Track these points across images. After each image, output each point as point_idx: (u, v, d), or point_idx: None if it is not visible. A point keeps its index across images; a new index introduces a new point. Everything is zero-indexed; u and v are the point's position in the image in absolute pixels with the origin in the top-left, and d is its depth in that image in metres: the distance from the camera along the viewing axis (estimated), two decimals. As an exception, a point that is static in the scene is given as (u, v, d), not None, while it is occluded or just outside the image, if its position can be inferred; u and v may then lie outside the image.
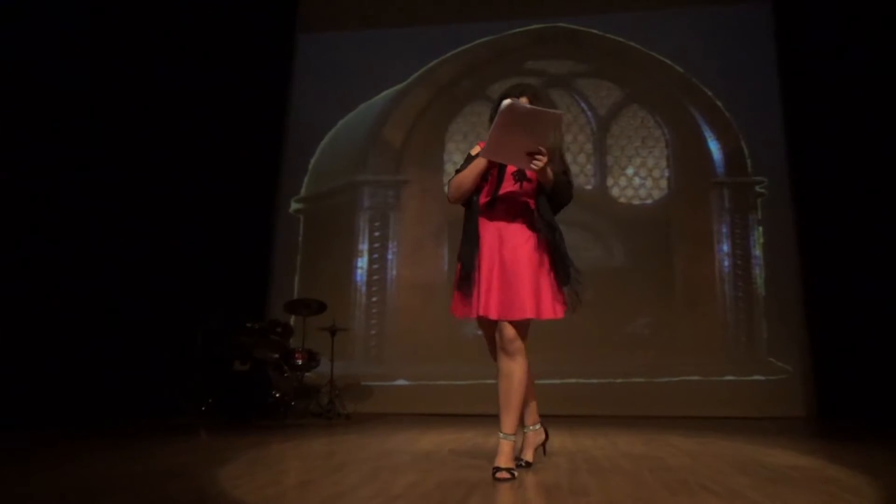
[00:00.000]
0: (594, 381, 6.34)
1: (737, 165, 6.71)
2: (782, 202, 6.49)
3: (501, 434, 2.40)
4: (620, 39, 7.10)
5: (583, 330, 6.26)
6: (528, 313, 2.39)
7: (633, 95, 7.04)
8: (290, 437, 3.98)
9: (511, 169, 2.52)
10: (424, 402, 6.35)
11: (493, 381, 2.51)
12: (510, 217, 2.51)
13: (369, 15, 7.59)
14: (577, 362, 6.35)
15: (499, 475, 2.28)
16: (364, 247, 7.07)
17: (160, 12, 6.61)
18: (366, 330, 6.86)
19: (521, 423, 2.59)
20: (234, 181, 6.84)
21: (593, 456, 2.98)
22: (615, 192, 6.83)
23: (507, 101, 2.28)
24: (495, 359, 2.61)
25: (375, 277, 6.99)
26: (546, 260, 2.47)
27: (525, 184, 2.52)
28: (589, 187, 6.85)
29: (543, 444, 2.74)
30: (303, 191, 7.35)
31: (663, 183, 6.80)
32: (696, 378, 6.23)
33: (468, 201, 2.58)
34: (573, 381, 6.32)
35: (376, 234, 7.09)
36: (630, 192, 6.82)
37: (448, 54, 7.36)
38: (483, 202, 2.55)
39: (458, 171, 2.58)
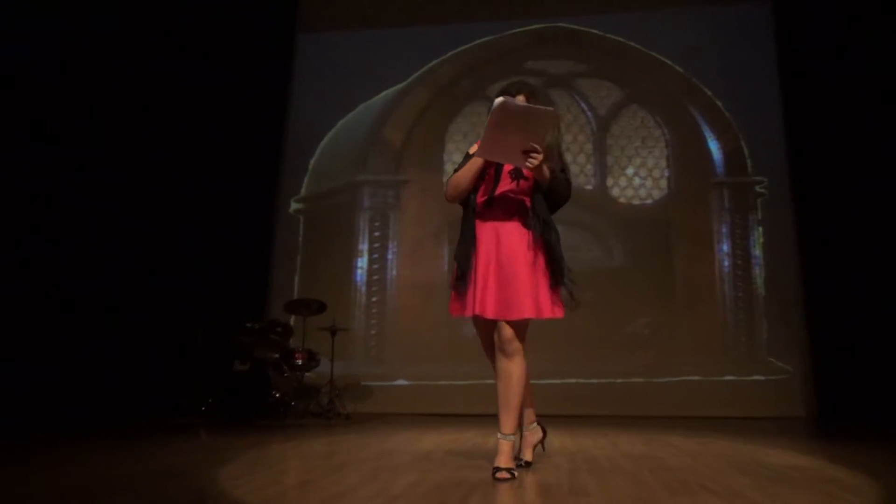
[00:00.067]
0: (594, 381, 6.34)
1: (737, 165, 6.71)
2: (782, 202, 6.49)
3: (501, 434, 2.40)
4: (620, 39, 7.10)
5: (583, 330, 6.26)
6: (527, 313, 2.39)
7: (633, 95, 7.04)
8: (290, 437, 3.98)
9: (508, 167, 2.51)
10: (424, 402, 6.34)
11: (492, 381, 2.51)
12: (507, 216, 2.50)
13: (369, 15, 7.59)
14: (577, 362, 6.35)
15: (499, 475, 2.28)
16: (364, 247, 7.06)
17: (160, 12, 6.61)
18: (366, 330, 6.86)
19: (520, 423, 2.59)
20: (234, 181, 6.84)
21: (593, 456, 2.98)
22: (615, 192, 6.83)
23: (499, 99, 2.27)
24: (490, 357, 2.61)
25: (375, 277, 6.99)
26: (542, 259, 2.46)
27: (522, 182, 2.51)
28: (589, 187, 6.85)
29: (542, 442, 2.74)
30: (303, 191, 7.35)
31: (663, 183, 6.80)
32: (696, 378, 6.23)
33: (466, 200, 2.57)
34: (573, 381, 6.32)
35: (376, 234, 7.09)
36: (630, 192, 6.82)
37: (448, 54, 7.36)
38: (480, 201, 2.54)
39: (456, 171, 2.58)
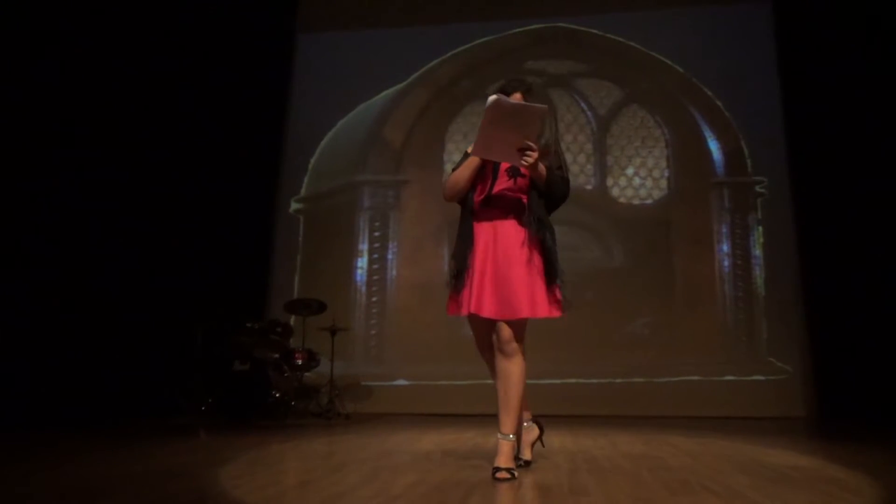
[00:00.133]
0: (594, 381, 6.34)
1: (737, 165, 6.71)
2: (782, 202, 6.49)
3: (500, 434, 2.39)
4: (620, 39, 7.10)
5: (583, 330, 6.26)
6: (524, 313, 2.38)
7: (632, 95, 7.04)
8: (290, 437, 3.98)
9: (505, 166, 2.50)
10: (424, 402, 6.34)
11: (492, 382, 2.50)
12: (504, 214, 2.49)
13: (369, 15, 7.59)
14: (577, 362, 6.35)
15: (499, 475, 2.28)
16: (364, 247, 7.06)
17: (160, 12, 6.61)
18: (366, 330, 6.86)
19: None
20: (234, 181, 6.84)
21: (593, 456, 2.98)
22: (615, 192, 6.83)
23: (492, 97, 2.26)
24: (484, 356, 2.60)
25: (375, 277, 6.99)
26: (538, 258, 2.44)
27: (519, 180, 2.50)
28: (589, 187, 6.85)
29: (540, 438, 2.73)
30: (303, 191, 7.35)
31: (663, 183, 6.80)
32: (696, 378, 6.23)
33: (464, 199, 2.56)
34: (573, 381, 6.32)
35: (376, 234, 7.09)
36: (630, 192, 6.82)
37: (448, 54, 7.36)
38: (478, 200, 2.53)
39: (454, 170, 2.57)
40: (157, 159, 6.47)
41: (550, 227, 2.49)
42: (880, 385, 5.51)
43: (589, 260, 6.62)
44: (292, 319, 6.18)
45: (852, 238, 5.94)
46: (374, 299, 6.94)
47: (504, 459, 2.33)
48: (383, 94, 7.36)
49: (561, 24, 7.24)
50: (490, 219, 2.51)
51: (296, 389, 5.62)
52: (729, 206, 6.66)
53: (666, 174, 6.81)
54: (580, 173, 6.84)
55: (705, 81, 6.87)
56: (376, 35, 7.50)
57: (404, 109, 7.32)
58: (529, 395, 2.68)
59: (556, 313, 2.43)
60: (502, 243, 2.45)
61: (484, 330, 2.54)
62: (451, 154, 7.04)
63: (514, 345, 2.41)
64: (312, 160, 7.37)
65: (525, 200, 2.50)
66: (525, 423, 2.68)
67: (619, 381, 6.33)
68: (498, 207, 2.50)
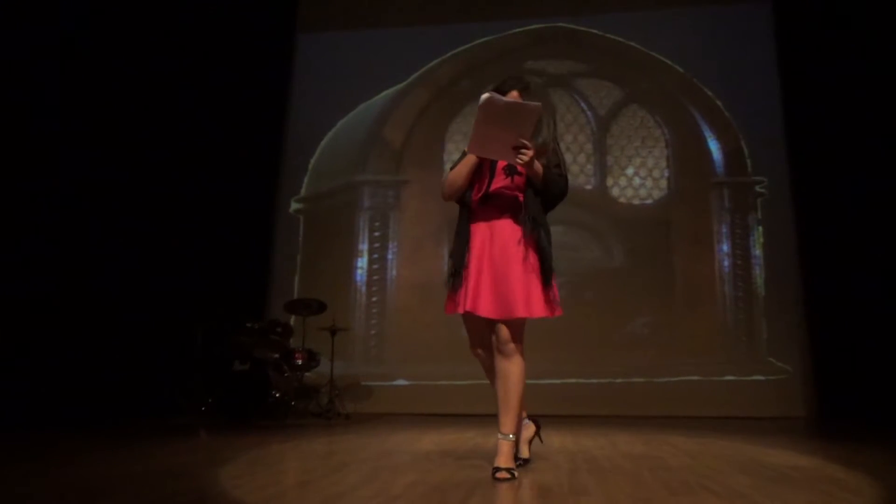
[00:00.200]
0: (594, 381, 6.34)
1: (737, 165, 6.71)
2: (782, 202, 6.49)
3: (500, 434, 2.39)
4: (620, 39, 7.10)
5: (583, 330, 6.27)
6: (519, 312, 2.36)
7: (632, 95, 7.04)
8: (290, 437, 3.98)
9: (502, 164, 2.49)
10: (424, 402, 6.35)
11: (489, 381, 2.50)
12: (501, 213, 2.49)
13: (369, 15, 7.59)
14: (577, 362, 6.35)
15: (499, 475, 2.28)
16: (364, 247, 7.07)
17: (160, 12, 6.61)
18: (366, 330, 6.86)
19: None
20: (234, 181, 6.84)
21: (593, 456, 2.98)
22: (615, 192, 6.83)
23: (484, 96, 2.25)
24: (476, 355, 2.60)
25: (375, 277, 6.99)
26: (533, 257, 2.42)
27: (516, 178, 2.49)
28: (589, 187, 6.85)
29: (538, 434, 2.73)
30: (303, 191, 7.35)
31: (663, 183, 6.80)
32: (696, 378, 6.23)
33: (462, 198, 2.56)
34: (573, 381, 6.32)
35: (376, 234, 7.09)
36: (630, 192, 6.82)
37: (448, 54, 7.36)
38: (476, 198, 2.53)
39: (452, 168, 2.57)
40: (157, 159, 6.47)
41: (545, 226, 2.46)
42: (880, 385, 5.51)
43: (589, 260, 6.62)
44: (292, 319, 6.18)
45: (852, 238, 5.94)
46: (374, 299, 6.94)
47: (504, 459, 2.33)
48: (383, 94, 7.36)
49: (561, 24, 7.24)
50: (487, 217, 2.50)
51: (296, 389, 5.62)
52: (729, 206, 6.66)
53: (666, 174, 6.81)
54: (580, 173, 6.84)
55: (705, 81, 6.87)
56: (376, 35, 7.50)
57: (404, 109, 7.32)
58: (528, 395, 2.67)
59: (553, 313, 2.41)
60: (499, 242, 2.45)
61: (478, 329, 2.53)
62: (451, 154, 7.04)
63: (513, 345, 2.41)
64: (312, 160, 7.37)
65: (522, 199, 2.49)
66: (523, 421, 2.68)
67: (619, 381, 6.33)
68: (495, 206, 2.50)
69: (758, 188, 6.62)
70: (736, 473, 2.47)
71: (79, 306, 5.60)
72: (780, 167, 6.55)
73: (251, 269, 6.86)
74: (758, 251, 6.52)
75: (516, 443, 2.49)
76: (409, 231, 7.05)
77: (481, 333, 2.53)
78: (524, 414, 2.70)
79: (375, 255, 7.04)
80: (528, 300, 2.37)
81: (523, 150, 2.30)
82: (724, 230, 6.61)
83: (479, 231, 2.49)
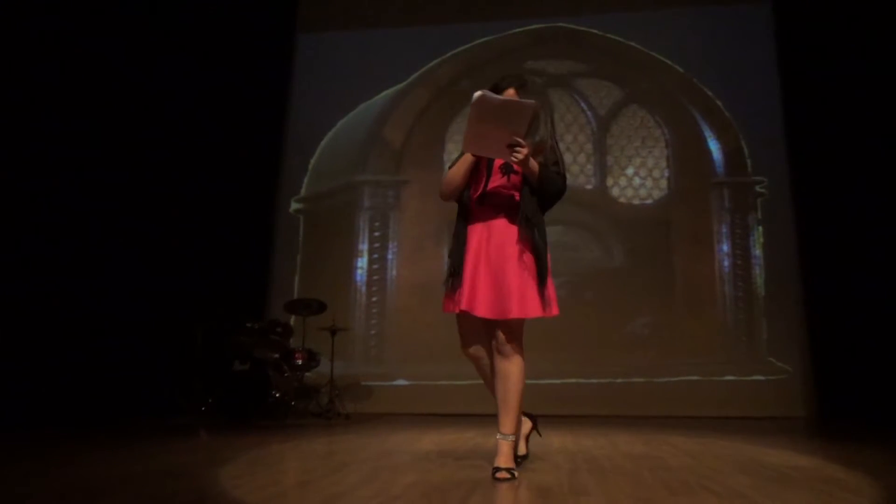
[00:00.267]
0: (594, 381, 6.34)
1: (737, 165, 6.71)
2: (782, 202, 6.49)
3: (500, 434, 2.39)
4: (620, 39, 7.10)
5: (583, 330, 6.27)
6: (514, 313, 2.35)
7: (632, 95, 7.04)
8: (290, 437, 3.98)
9: (499, 163, 2.48)
10: (424, 402, 6.34)
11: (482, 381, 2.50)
12: (498, 212, 2.47)
13: (369, 15, 7.59)
14: (577, 362, 6.35)
15: (499, 475, 2.28)
16: (364, 247, 7.07)
17: (160, 12, 6.61)
18: (366, 330, 6.86)
19: None
20: (234, 181, 6.84)
21: (593, 456, 2.98)
22: (615, 192, 6.83)
23: (476, 94, 2.24)
24: (467, 355, 2.57)
25: (375, 277, 6.99)
26: (529, 256, 2.40)
27: (513, 176, 2.47)
28: (589, 187, 6.85)
29: (535, 429, 2.72)
30: (303, 191, 7.35)
31: (663, 183, 6.80)
32: (696, 378, 6.23)
33: (460, 197, 2.55)
34: (573, 381, 6.32)
35: (376, 234, 7.09)
36: (630, 192, 6.82)
37: (448, 54, 7.36)
38: (473, 198, 2.52)
39: (450, 168, 2.57)
40: (157, 159, 6.47)
41: (539, 225, 2.43)
42: (880, 385, 5.51)
43: (589, 260, 6.61)
44: (292, 319, 6.18)
45: (852, 238, 5.93)
46: (374, 299, 6.94)
47: (504, 459, 2.33)
48: (383, 94, 7.36)
49: (561, 24, 7.24)
50: (485, 217, 2.49)
51: (296, 389, 5.62)
52: (729, 206, 6.66)
53: (666, 174, 6.81)
54: (580, 173, 6.84)
55: (705, 81, 6.87)
56: (376, 35, 7.50)
57: (404, 109, 7.32)
58: (528, 395, 2.67)
59: (548, 313, 2.38)
60: (495, 241, 2.44)
61: (473, 328, 2.51)
62: (451, 154, 7.04)
63: (512, 345, 2.40)
64: (312, 160, 7.37)
65: (518, 198, 2.47)
66: None
67: (619, 381, 6.33)
68: (492, 205, 2.49)
69: (758, 188, 6.62)
70: (736, 473, 2.47)
71: (79, 306, 5.59)
72: (780, 167, 6.55)
73: (251, 269, 6.86)
74: (758, 251, 6.52)
75: (516, 442, 2.49)
76: (409, 231, 7.05)
77: (476, 333, 2.52)
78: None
79: (375, 255, 7.04)
80: (523, 300, 2.36)
81: (518, 148, 2.29)
82: (724, 230, 6.61)
83: (477, 231, 2.49)
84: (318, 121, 7.40)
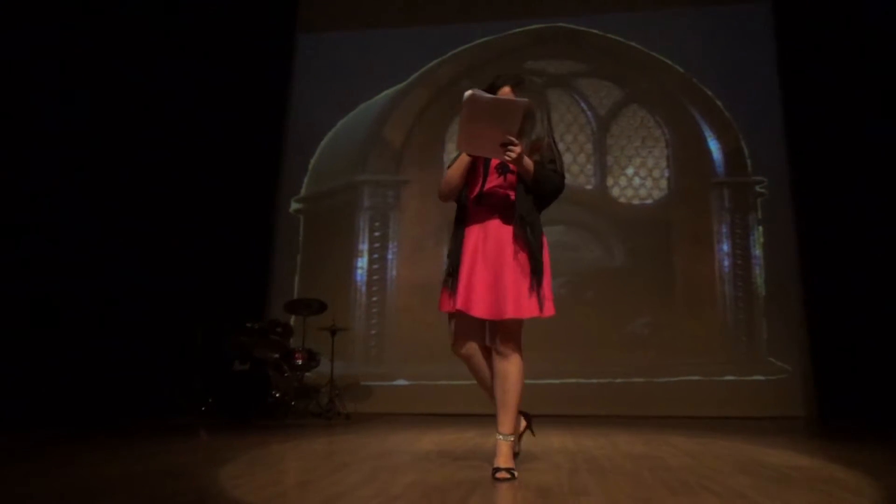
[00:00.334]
0: (594, 381, 6.34)
1: (737, 165, 6.71)
2: (782, 202, 6.49)
3: (500, 434, 2.39)
4: (620, 39, 7.10)
5: (583, 330, 6.27)
6: (509, 313, 2.34)
7: (632, 95, 7.04)
8: (290, 437, 3.98)
9: (496, 162, 2.47)
10: (424, 402, 6.34)
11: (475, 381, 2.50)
12: (495, 211, 2.47)
13: (369, 15, 7.59)
14: (577, 362, 6.35)
15: (498, 475, 2.28)
16: (364, 247, 7.07)
17: (160, 12, 6.61)
18: (366, 330, 6.86)
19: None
20: (234, 181, 6.84)
21: (593, 456, 2.98)
22: (615, 192, 6.83)
23: (467, 93, 2.22)
24: (458, 354, 2.54)
25: (375, 277, 6.99)
26: (524, 256, 2.39)
27: (509, 176, 2.46)
28: (589, 187, 6.85)
29: (530, 428, 2.71)
30: (303, 191, 7.35)
31: (663, 183, 6.80)
32: (696, 378, 6.23)
33: (458, 198, 2.55)
34: (573, 381, 6.32)
35: (376, 234, 7.09)
36: (630, 192, 6.82)
37: (448, 54, 7.36)
38: (471, 198, 2.52)
39: (448, 168, 2.57)
40: (157, 159, 6.47)
41: (534, 224, 2.41)
42: (880, 385, 5.51)
43: (589, 260, 6.61)
44: (292, 319, 6.18)
45: (852, 238, 5.93)
46: (374, 299, 6.94)
47: (504, 459, 2.33)
48: (383, 94, 7.36)
49: (561, 24, 7.24)
50: (482, 217, 2.49)
51: (296, 389, 5.62)
52: (729, 206, 6.66)
53: (666, 174, 6.81)
54: (580, 173, 6.84)
55: (705, 81, 6.87)
56: (376, 35, 7.50)
57: (404, 109, 7.32)
58: (528, 395, 2.67)
59: (543, 313, 2.37)
60: (492, 241, 2.44)
61: (469, 328, 2.49)
62: (451, 154, 7.03)
63: (511, 345, 2.40)
64: (312, 160, 7.37)
65: (513, 197, 2.46)
66: None
67: (619, 381, 6.33)
68: (489, 205, 2.48)
69: (758, 188, 6.62)
70: (736, 473, 2.47)
71: (79, 306, 5.59)
72: (780, 167, 6.55)
73: (251, 269, 6.86)
74: (758, 251, 6.52)
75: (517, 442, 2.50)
76: (409, 231, 7.05)
77: (471, 333, 2.51)
78: None
79: (375, 255, 7.04)
80: (518, 300, 2.35)
81: (511, 147, 2.29)
82: (724, 230, 6.61)
83: (474, 231, 2.48)
84: (318, 121, 7.40)
